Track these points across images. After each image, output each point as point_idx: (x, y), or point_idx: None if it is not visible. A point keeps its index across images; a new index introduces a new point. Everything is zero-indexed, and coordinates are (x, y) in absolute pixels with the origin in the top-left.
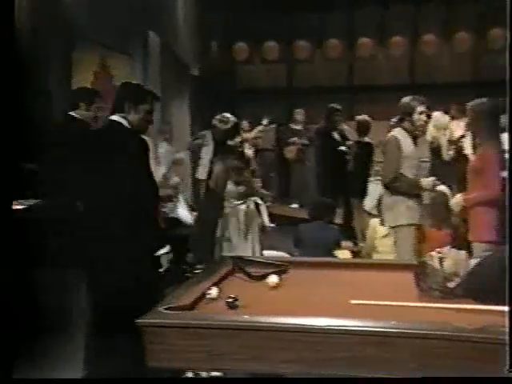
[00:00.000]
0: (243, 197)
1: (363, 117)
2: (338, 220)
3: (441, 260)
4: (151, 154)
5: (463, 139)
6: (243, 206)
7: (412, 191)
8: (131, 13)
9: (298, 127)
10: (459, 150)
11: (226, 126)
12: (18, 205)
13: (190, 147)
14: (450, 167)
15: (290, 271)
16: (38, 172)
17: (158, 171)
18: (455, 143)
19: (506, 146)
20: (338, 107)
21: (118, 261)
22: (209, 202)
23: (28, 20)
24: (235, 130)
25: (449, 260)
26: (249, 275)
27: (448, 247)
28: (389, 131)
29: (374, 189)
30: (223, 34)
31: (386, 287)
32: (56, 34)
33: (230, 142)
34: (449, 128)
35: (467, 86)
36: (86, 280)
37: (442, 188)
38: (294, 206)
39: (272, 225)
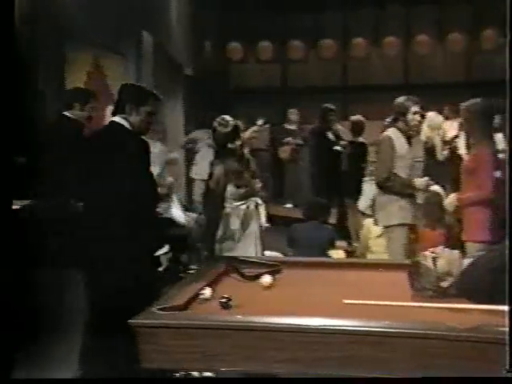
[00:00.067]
0: (243, 198)
1: (357, 117)
2: (332, 220)
3: (434, 260)
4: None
5: (457, 139)
6: (244, 207)
7: (405, 191)
8: (124, 13)
9: (292, 127)
10: (453, 150)
11: (226, 129)
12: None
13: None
14: (444, 167)
15: (284, 271)
16: (28, 166)
17: (152, 171)
18: (449, 143)
19: (500, 146)
20: (332, 107)
21: (118, 261)
22: (209, 202)
23: (24, 19)
24: (235, 132)
25: (442, 260)
26: (242, 275)
27: (441, 247)
28: (383, 131)
29: (369, 189)
30: (217, 34)
31: (380, 287)
32: (49, 33)
33: (230, 146)
34: (442, 128)
35: (461, 86)
36: (85, 280)
37: (436, 188)
38: (288, 205)
39: (267, 225)
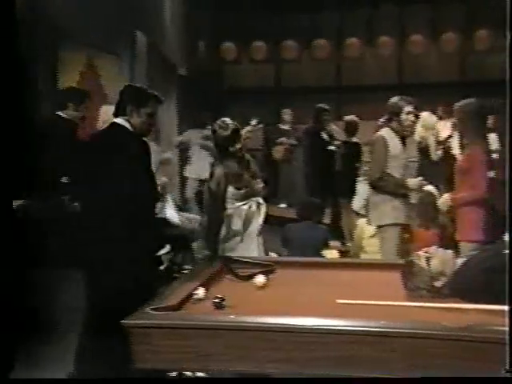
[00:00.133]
0: (244, 198)
1: (351, 117)
2: (326, 220)
3: (428, 259)
4: None
5: (450, 139)
6: (245, 207)
7: (398, 191)
8: (118, 13)
9: (286, 127)
10: (447, 150)
11: (226, 131)
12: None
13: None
14: (438, 167)
15: (278, 271)
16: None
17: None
18: (443, 143)
19: (493, 146)
20: (326, 107)
21: (120, 261)
22: (211, 204)
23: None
24: (235, 135)
25: (436, 259)
26: (236, 275)
27: (435, 247)
28: (376, 131)
29: (363, 189)
30: (211, 34)
31: (373, 287)
32: (43, 33)
33: (230, 148)
34: (436, 128)
35: (454, 86)
36: (85, 280)
37: (430, 188)
38: (282, 205)
39: (261, 223)
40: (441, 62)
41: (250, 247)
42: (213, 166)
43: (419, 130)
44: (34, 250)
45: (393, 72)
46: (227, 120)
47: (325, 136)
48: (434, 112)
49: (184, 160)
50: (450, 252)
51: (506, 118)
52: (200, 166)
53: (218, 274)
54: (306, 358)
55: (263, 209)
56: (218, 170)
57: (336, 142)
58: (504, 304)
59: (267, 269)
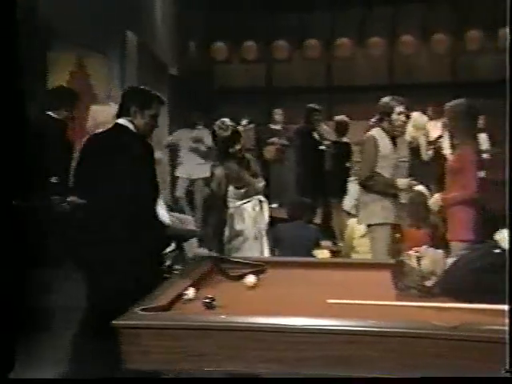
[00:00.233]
0: (246, 197)
1: (341, 117)
2: (317, 220)
3: (418, 259)
4: None
5: (441, 139)
6: (247, 206)
7: (388, 190)
8: (108, 12)
9: (277, 127)
10: (438, 150)
11: (226, 132)
12: None
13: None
14: (428, 167)
15: (268, 271)
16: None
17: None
18: (433, 143)
19: (483, 146)
20: (317, 107)
21: (123, 262)
22: (212, 204)
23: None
24: (235, 136)
25: (426, 259)
26: (226, 275)
27: (425, 246)
28: (367, 131)
29: (354, 188)
30: (202, 34)
31: (364, 286)
32: (32, 32)
33: (230, 149)
34: (427, 128)
35: (445, 87)
36: (86, 281)
37: (420, 188)
38: (274, 205)
39: (266, 222)
40: (431, 62)
41: (256, 246)
42: (213, 166)
43: (410, 130)
44: (34, 249)
45: (384, 72)
46: (227, 121)
47: (316, 136)
48: (424, 112)
49: (174, 160)
50: (440, 252)
51: (506, 118)
52: (190, 165)
53: (208, 274)
54: (296, 358)
55: (266, 207)
56: (219, 171)
57: (326, 142)
58: (493, 303)
59: (258, 269)
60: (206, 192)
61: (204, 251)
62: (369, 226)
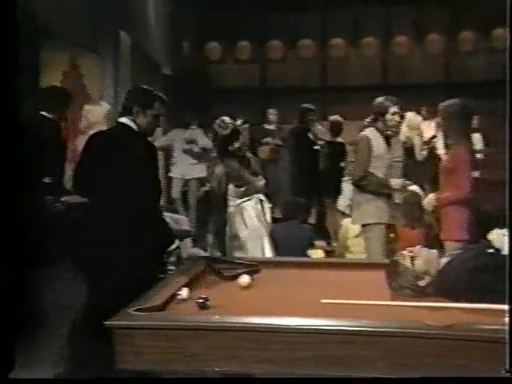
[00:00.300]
0: (246, 195)
1: (335, 117)
2: (312, 220)
3: (412, 259)
4: None
5: (435, 139)
6: (247, 204)
7: (381, 190)
8: (102, 12)
9: (271, 127)
10: (432, 150)
11: (226, 131)
12: None
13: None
14: (423, 167)
15: (262, 271)
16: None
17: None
18: (428, 143)
19: (477, 147)
20: (311, 107)
21: (126, 262)
22: (212, 203)
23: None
24: (235, 134)
25: (420, 259)
26: (220, 275)
27: (419, 246)
28: (361, 131)
29: (348, 188)
30: (195, 34)
31: (358, 286)
32: (26, 32)
33: (230, 147)
34: (421, 128)
35: (439, 87)
36: (86, 281)
37: (414, 188)
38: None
39: (269, 221)
40: (425, 62)
41: (258, 246)
42: (213, 164)
43: (404, 130)
44: (31, 249)
45: (378, 72)
46: (227, 119)
47: (310, 136)
48: (418, 112)
49: (168, 160)
50: (434, 251)
51: (506, 119)
52: (184, 166)
53: (202, 274)
54: (291, 358)
55: (266, 205)
56: (219, 169)
57: (320, 142)
58: (487, 303)
59: (252, 269)
60: (200, 192)
61: (198, 251)
62: (363, 225)
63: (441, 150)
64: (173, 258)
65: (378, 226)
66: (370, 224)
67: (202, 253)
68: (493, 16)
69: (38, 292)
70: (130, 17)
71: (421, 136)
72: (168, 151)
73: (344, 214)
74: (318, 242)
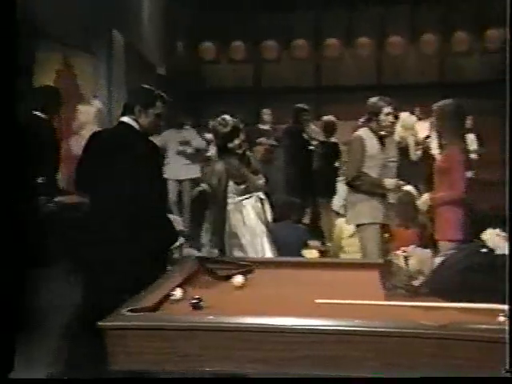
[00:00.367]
0: (245, 193)
1: (329, 117)
2: (306, 220)
3: (406, 259)
4: None
5: (429, 139)
6: (247, 202)
7: (374, 190)
8: (95, 11)
9: (266, 127)
10: (426, 150)
11: (226, 128)
12: None
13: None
14: (417, 167)
15: (256, 271)
16: None
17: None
18: (422, 143)
19: (471, 147)
20: (306, 107)
21: (121, 262)
22: (213, 201)
23: None
24: (235, 132)
25: (414, 259)
26: (214, 275)
27: (413, 246)
28: (355, 131)
29: (342, 188)
30: (190, 34)
31: (353, 286)
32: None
33: (230, 145)
34: (415, 128)
35: (433, 87)
36: (85, 281)
37: (408, 188)
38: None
39: (270, 220)
40: (419, 63)
41: (257, 244)
42: (207, 165)
43: (399, 130)
44: (28, 250)
45: (372, 72)
46: (227, 117)
47: (305, 136)
48: (412, 112)
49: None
50: (427, 251)
51: (506, 119)
52: (177, 167)
53: (195, 274)
54: (284, 358)
55: (267, 204)
56: (219, 166)
57: (314, 142)
58: (480, 302)
59: (246, 269)
60: (195, 192)
61: (193, 251)
62: (358, 225)
63: (435, 150)
64: (177, 255)
65: (373, 226)
66: (364, 224)
67: (196, 253)
68: (486, 17)
69: (32, 292)
70: (123, 16)
71: (415, 136)
72: (162, 152)
73: (338, 214)
74: (312, 242)
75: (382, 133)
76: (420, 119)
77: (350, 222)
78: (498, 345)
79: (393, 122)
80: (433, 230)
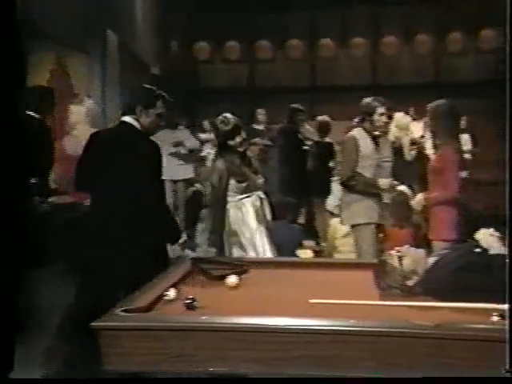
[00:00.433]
0: (246, 191)
1: (323, 117)
2: (300, 220)
3: (400, 259)
4: None
5: (423, 139)
6: (247, 201)
7: (369, 190)
8: (89, 11)
9: (260, 127)
10: (420, 150)
11: (227, 126)
12: None
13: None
14: (411, 167)
15: (251, 271)
16: None
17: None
18: (416, 143)
19: (465, 147)
20: (301, 107)
21: (121, 262)
22: (213, 199)
23: None
24: (236, 130)
25: (408, 258)
26: (208, 275)
27: (407, 246)
28: (349, 131)
29: (337, 188)
30: (184, 34)
31: (347, 286)
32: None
33: (230, 143)
34: (410, 129)
35: (427, 87)
36: (84, 281)
37: (402, 188)
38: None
39: (269, 219)
40: (414, 63)
41: (256, 243)
42: (213, 160)
43: (393, 130)
44: (29, 250)
45: (366, 73)
46: (228, 115)
47: (300, 136)
48: (406, 113)
49: None
50: (421, 251)
51: (506, 119)
52: (171, 167)
53: (189, 274)
54: (279, 358)
55: (266, 203)
56: (220, 164)
57: (308, 142)
58: (474, 302)
59: (240, 269)
60: (189, 192)
61: (187, 251)
62: (353, 226)
63: (429, 150)
64: (180, 252)
65: (368, 226)
66: (360, 224)
67: (190, 253)
68: (481, 17)
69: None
70: (117, 16)
71: (410, 136)
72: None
73: (333, 214)
74: (306, 242)
75: (376, 133)
76: (414, 119)
77: (346, 222)
78: (493, 344)
79: (386, 122)
80: (427, 230)
